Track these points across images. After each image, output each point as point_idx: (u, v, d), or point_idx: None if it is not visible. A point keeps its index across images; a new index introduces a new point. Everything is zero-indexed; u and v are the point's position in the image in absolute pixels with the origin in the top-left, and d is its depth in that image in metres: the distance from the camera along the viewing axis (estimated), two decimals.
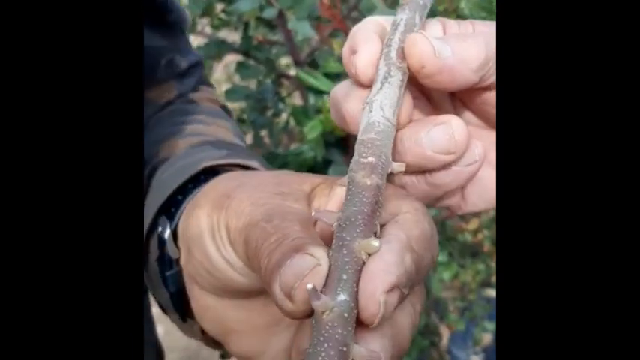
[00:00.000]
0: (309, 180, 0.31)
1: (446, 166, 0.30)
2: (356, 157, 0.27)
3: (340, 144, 0.78)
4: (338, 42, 0.92)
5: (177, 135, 0.45)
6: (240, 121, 1.03)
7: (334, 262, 0.25)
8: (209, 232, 0.32)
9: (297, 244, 0.26)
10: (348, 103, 0.30)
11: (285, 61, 1.14)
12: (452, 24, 0.31)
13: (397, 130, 0.29)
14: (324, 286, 0.24)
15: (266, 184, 0.32)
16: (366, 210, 0.26)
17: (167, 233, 0.37)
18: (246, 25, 0.88)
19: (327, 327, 0.23)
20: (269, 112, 0.98)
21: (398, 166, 0.28)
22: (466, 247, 1.34)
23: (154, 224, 0.38)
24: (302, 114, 0.84)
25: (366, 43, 0.30)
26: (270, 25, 0.89)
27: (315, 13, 0.85)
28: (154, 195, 0.39)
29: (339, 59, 0.87)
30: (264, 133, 1.02)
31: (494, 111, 0.31)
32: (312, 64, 0.94)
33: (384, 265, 0.24)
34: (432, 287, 1.25)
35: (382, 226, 0.27)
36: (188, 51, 0.54)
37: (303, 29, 0.76)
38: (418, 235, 0.26)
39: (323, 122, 0.74)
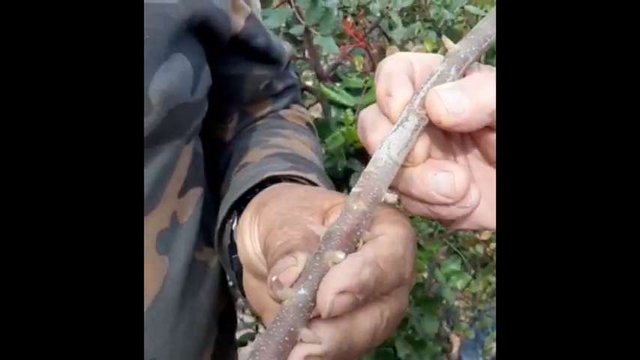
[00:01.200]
0: (331, 198, 0.38)
1: (442, 206, 0.34)
2: (356, 185, 0.32)
3: (360, 154, 0.83)
4: (359, 58, 0.96)
5: (260, 145, 0.54)
6: None
7: (308, 266, 0.31)
8: (248, 229, 0.40)
9: (289, 248, 0.33)
10: (373, 133, 0.34)
11: (307, 74, 1.18)
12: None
13: (411, 167, 0.33)
14: (295, 282, 0.31)
15: (295, 198, 0.39)
16: (345, 228, 0.31)
17: (234, 225, 0.46)
18: None
19: (283, 311, 0.29)
20: None
21: (391, 197, 0.32)
22: (477, 259, 1.37)
23: (229, 216, 0.47)
24: (323, 126, 0.89)
25: (399, 88, 0.33)
26: (295, 40, 0.94)
27: (339, 30, 0.90)
28: (230, 192, 0.48)
29: (360, 75, 0.92)
30: None
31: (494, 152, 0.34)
32: (335, 78, 0.98)
33: (341, 273, 0.29)
34: (445, 296, 1.28)
35: (364, 243, 0.32)
36: (287, 75, 0.63)
37: (327, 45, 0.80)
38: (387, 255, 0.31)
39: (345, 134, 0.78)
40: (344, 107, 0.81)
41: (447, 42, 0.34)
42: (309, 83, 1.10)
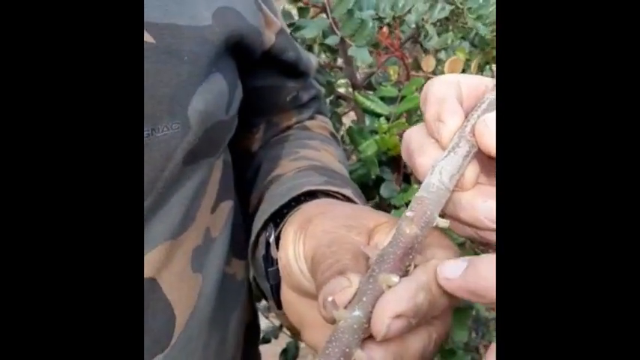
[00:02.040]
0: (376, 218, 0.39)
1: (492, 229, 0.34)
2: (408, 209, 0.33)
3: (392, 163, 0.84)
4: (394, 68, 0.97)
5: (290, 156, 0.55)
6: None
7: (361, 287, 0.32)
8: (292, 245, 0.40)
9: (342, 268, 0.34)
10: (420, 157, 0.35)
11: (342, 82, 1.20)
12: None
13: (460, 192, 0.34)
14: (349, 302, 0.31)
15: (340, 216, 0.40)
16: (398, 252, 0.32)
17: (272, 238, 0.46)
18: (310, 49, 0.95)
19: (339, 332, 0.30)
20: None
21: (443, 222, 0.33)
22: None
23: (264, 228, 0.48)
24: (358, 134, 0.90)
25: (452, 116, 0.33)
26: (331, 50, 0.95)
27: (374, 40, 0.91)
28: (266, 205, 0.49)
29: (394, 84, 0.93)
30: None
31: None
32: (369, 87, 0.99)
33: (397, 297, 0.30)
34: (476, 306, 1.28)
35: (416, 267, 0.33)
36: (311, 86, 0.64)
37: (362, 55, 0.81)
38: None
39: (378, 142, 0.79)
40: (378, 116, 0.82)
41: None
42: (343, 91, 1.12)
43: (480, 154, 0.34)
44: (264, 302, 1.13)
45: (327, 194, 0.48)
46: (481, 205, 0.33)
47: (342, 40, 0.83)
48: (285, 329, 1.13)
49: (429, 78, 0.87)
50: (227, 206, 0.53)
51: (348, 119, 1.08)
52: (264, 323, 1.18)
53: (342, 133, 1.16)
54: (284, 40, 0.56)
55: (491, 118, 0.32)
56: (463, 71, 0.88)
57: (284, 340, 1.11)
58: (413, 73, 0.91)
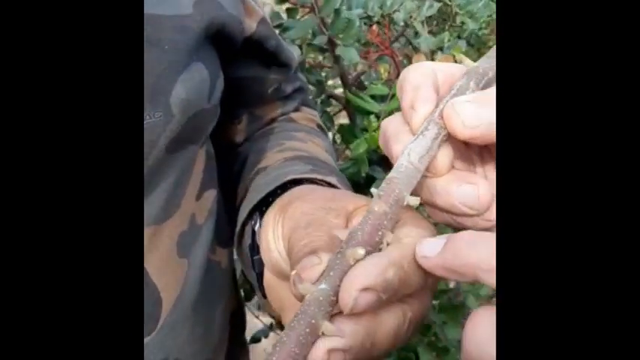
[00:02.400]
0: (355, 201, 0.39)
1: (466, 216, 0.34)
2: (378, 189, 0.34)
3: (382, 162, 0.84)
4: (385, 66, 0.98)
5: (276, 148, 0.55)
6: None
7: (330, 264, 0.32)
8: (272, 227, 0.41)
9: (315, 248, 0.34)
10: (396, 144, 0.35)
11: (333, 82, 1.20)
12: None
13: (435, 178, 0.34)
14: (318, 279, 0.31)
15: (320, 199, 0.40)
16: (366, 229, 0.32)
17: (257, 226, 0.46)
18: (300, 49, 0.95)
19: (305, 305, 0.30)
20: None
21: (413, 200, 0.33)
22: None
23: (250, 217, 0.48)
24: (349, 132, 0.90)
25: (424, 103, 0.34)
26: (322, 49, 0.95)
27: (363, 39, 0.92)
28: (252, 194, 0.49)
29: (385, 82, 0.93)
30: None
31: None
32: (360, 86, 1.00)
33: (366, 271, 0.30)
34: (469, 303, 1.29)
35: (389, 245, 0.33)
36: (295, 78, 0.64)
37: (349, 55, 0.82)
38: (411, 257, 0.32)
39: (368, 140, 0.79)
40: (369, 113, 0.82)
41: (466, 60, 0.35)
42: (335, 90, 1.12)
43: (454, 141, 0.34)
44: (253, 301, 1.13)
45: (312, 182, 0.48)
46: (456, 190, 0.33)
47: (331, 39, 0.83)
48: (276, 330, 1.13)
49: None
50: (211, 195, 0.53)
51: (345, 119, 1.08)
52: (253, 324, 1.18)
53: (333, 132, 1.16)
54: (265, 29, 0.56)
55: (458, 101, 0.32)
56: None
57: (273, 339, 1.11)
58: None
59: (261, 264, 0.44)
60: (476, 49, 1.10)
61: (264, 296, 0.46)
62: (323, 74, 1.08)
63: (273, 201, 0.45)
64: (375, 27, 0.98)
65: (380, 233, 0.32)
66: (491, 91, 0.32)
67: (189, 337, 0.50)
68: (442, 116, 0.33)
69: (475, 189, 0.33)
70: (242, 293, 0.85)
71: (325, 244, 0.34)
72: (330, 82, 1.18)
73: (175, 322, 0.49)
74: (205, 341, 0.53)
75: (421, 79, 0.34)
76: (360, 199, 0.39)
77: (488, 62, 0.34)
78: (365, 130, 0.82)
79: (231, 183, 0.57)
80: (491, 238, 0.29)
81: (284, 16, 0.91)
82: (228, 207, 0.57)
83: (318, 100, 1.03)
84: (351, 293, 0.29)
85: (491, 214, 0.34)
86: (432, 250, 0.31)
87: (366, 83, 1.05)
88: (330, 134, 1.25)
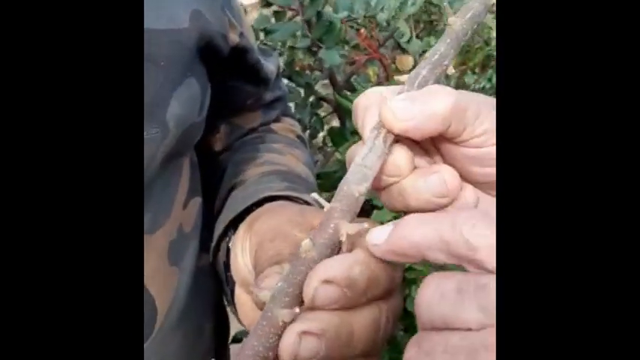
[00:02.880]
0: (321, 216, 0.38)
1: (442, 208, 0.34)
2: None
3: None
4: (373, 68, 0.98)
5: (255, 161, 0.56)
6: None
7: (289, 268, 0.32)
8: (240, 244, 0.42)
9: (279, 259, 0.35)
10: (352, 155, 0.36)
11: (323, 84, 1.20)
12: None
13: (401, 180, 0.34)
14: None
15: (287, 214, 0.41)
16: (322, 229, 0.32)
17: (231, 243, 0.47)
18: (290, 50, 0.95)
19: (265, 306, 0.31)
20: (306, 133, 1.04)
21: (364, 188, 0.33)
22: None
23: (225, 234, 0.49)
24: (339, 135, 0.90)
25: (371, 119, 0.34)
26: (310, 51, 0.96)
27: (351, 41, 0.92)
28: (226, 211, 0.50)
29: (375, 85, 0.94)
30: None
31: (461, 167, 0.34)
32: (350, 88, 1.00)
33: (328, 265, 0.31)
34: None
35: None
36: (276, 86, 0.64)
37: (331, 58, 0.82)
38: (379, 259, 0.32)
39: (357, 143, 0.79)
40: None
41: (403, 77, 0.35)
42: (323, 92, 1.12)
43: (407, 142, 0.34)
44: None
45: (287, 199, 0.49)
46: (423, 184, 0.33)
47: (314, 42, 0.83)
48: None
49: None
50: (196, 203, 0.54)
51: (337, 122, 1.08)
52: (235, 324, 1.18)
53: (323, 134, 1.17)
54: (245, 42, 0.57)
55: (393, 98, 0.33)
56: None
57: None
58: (396, 75, 0.92)
59: (234, 281, 0.44)
60: (465, 51, 1.11)
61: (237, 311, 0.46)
62: (313, 77, 1.08)
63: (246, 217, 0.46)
64: (363, 30, 0.98)
65: (332, 225, 0.32)
66: (428, 88, 0.33)
67: (182, 343, 0.51)
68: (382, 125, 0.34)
69: (440, 176, 0.33)
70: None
71: (290, 257, 0.35)
72: (322, 84, 1.19)
73: (169, 328, 0.49)
74: (197, 346, 0.53)
75: (370, 101, 0.35)
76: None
77: (425, 66, 0.35)
78: (355, 132, 0.82)
79: (211, 195, 0.58)
80: (433, 217, 0.30)
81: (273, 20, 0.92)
82: (209, 215, 0.57)
83: (308, 103, 1.04)
84: (312, 284, 0.30)
85: (463, 202, 0.34)
86: (381, 236, 0.31)
87: (355, 85, 1.05)
88: (320, 136, 1.26)
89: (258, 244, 0.39)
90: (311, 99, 1.02)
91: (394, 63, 0.98)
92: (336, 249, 0.32)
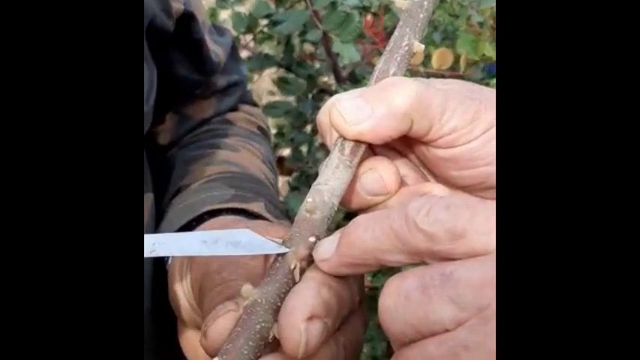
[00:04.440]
0: (279, 233, 0.34)
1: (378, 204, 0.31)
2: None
3: None
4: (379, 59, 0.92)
5: (204, 159, 0.50)
6: (280, 135, 1.04)
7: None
8: (178, 275, 0.37)
9: (232, 293, 0.31)
10: None
11: (326, 77, 1.15)
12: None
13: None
14: (232, 330, 0.28)
15: None
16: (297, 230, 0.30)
17: (169, 263, 0.42)
18: (288, 39, 0.89)
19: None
20: (308, 128, 0.98)
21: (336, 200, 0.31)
22: None
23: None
24: None
25: (330, 134, 0.31)
26: (313, 42, 0.90)
27: (359, 32, 0.85)
28: (165, 225, 0.45)
29: None
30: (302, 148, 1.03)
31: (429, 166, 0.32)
32: (353, 79, 0.94)
33: (302, 299, 0.26)
34: None
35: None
36: (231, 70, 0.56)
37: (348, 52, 0.75)
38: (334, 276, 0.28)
39: None
40: None
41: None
42: (333, 88, 1.06)
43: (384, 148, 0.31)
44: None
45: (233, 211, 0.43)
46: (357, 184, 0.31)
47: (326, 34, 0.76)
48: None
49: (416, 71, 0.82)
50: (149, 199, 0.48)
51: None
52: None
53: None
54: (192, 9, 0.49)
55: (340, 97, 0.30)
56: (454, 64, 0.83)
57: None
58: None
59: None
60: (452, 41, 1.04)
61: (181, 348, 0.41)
62: (315, 68, 1.02)
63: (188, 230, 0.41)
64: (369, 18, 0.93)
65: (281, 259, 0.29)
66: (381, 83, 0.30)
67: (147, 345, 0.46)
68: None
69: (375, 172, 0.31)
70: None
71: (240, 299, 0.30)
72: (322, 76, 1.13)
73: None
74: (160, 348, 0.48)
75: (324, 118, 0.32)
76: (279, 230, 0.35)
77: (385, 60, 0.32)
78: None
79: (160, 194, 0.52)
80: (382, 215, 0.26)
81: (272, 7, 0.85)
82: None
83: (309, 95, 0.98)
84: (298, 326, 0.26)
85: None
86: (329, 249, 0.27)
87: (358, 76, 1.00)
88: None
89: (202, 277, 0.34)
90: (313, 91, 0.96)
91: None
92: (290, 282, 0.28)
